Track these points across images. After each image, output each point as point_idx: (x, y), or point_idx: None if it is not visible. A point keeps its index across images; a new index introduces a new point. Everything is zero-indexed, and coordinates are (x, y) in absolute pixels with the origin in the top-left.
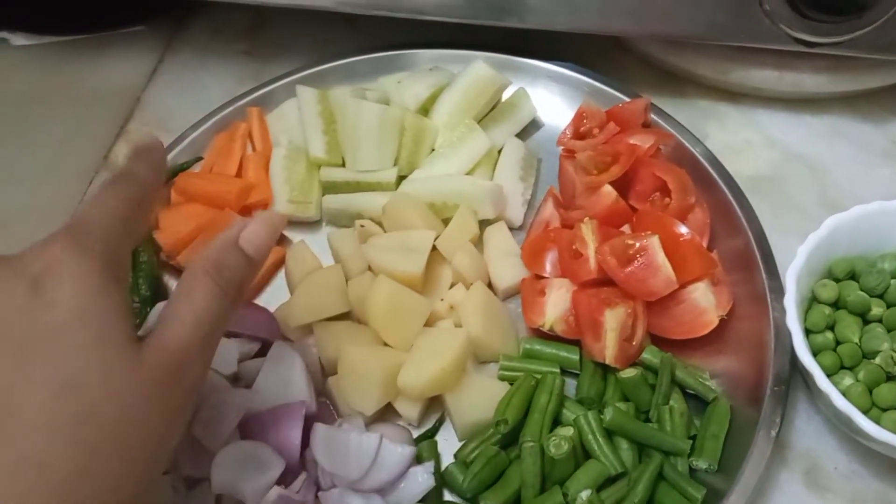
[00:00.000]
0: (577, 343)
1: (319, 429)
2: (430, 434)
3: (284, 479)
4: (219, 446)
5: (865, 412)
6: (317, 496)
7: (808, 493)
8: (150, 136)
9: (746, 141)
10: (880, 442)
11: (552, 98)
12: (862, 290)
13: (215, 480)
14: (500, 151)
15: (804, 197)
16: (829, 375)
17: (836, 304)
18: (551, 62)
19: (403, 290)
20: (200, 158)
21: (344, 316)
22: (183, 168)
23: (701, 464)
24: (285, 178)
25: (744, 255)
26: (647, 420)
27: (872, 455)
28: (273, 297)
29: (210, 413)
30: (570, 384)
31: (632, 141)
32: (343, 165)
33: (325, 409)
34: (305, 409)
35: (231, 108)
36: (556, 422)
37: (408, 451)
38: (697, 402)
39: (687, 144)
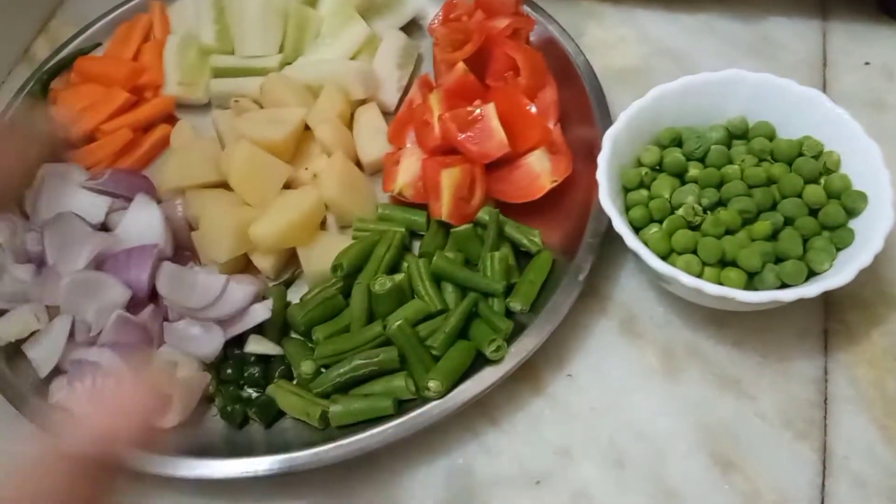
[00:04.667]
0: (426, 207)
1: (166, 266)
2: (287, 285)
3: (134, 309)
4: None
5: (664, 257)
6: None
7: (622, 339)
8: None
9: (621, 37)
10: (665, 276)
11: None
12: (683, 154)
13: (64, 302)
14: None
15: None
16: (640, 227)
17: (662, 169)
18: None
19: (261, 153)
20: (99, 44)
21: (222, 187)
22: (82, 52)
23: (515, 305)
24: (177, 63)
25: (592, 137)
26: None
27: (689, 307)
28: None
29: (67, 246)
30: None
31: (492, 24)
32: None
33: (185, 258)
34: (159, 251)
35: (136, 1)
36: (396, 272)
37: (250, 289)
38: (530, 258)
39: (559, 38)
